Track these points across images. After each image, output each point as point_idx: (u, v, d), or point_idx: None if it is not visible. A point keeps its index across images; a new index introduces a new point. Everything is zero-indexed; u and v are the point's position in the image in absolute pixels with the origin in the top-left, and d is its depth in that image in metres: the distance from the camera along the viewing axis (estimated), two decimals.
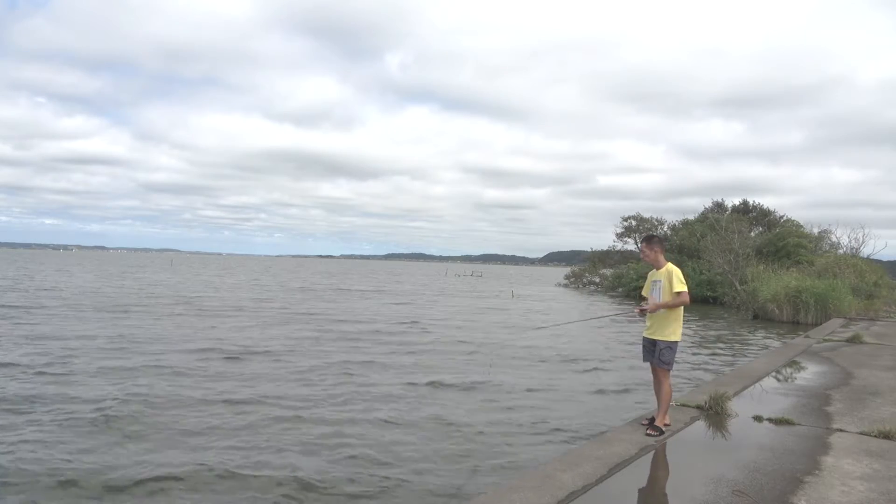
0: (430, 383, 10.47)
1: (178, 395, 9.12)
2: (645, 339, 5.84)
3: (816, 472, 4.61)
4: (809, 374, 9.12)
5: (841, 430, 5.84)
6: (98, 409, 8.04)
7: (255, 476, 6.00)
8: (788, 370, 9.38)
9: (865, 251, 35.80)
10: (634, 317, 6.13)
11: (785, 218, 43.12)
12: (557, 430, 7.84)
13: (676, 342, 5.66)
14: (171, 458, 6.40)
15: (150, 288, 35.54)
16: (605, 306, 31.86)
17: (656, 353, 5.67)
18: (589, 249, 56.39)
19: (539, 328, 16.41)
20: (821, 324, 19.61)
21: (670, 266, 5.69)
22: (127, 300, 25.92)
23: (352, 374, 11.11)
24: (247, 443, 6.97)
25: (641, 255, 6.01)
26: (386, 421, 8.06)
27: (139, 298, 27.27)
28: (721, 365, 13.18)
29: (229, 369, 11.28)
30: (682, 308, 5.67)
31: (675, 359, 5.75)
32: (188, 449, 6.75)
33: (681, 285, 5.54)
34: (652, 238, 5.97)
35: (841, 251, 36.67)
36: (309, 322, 19.74)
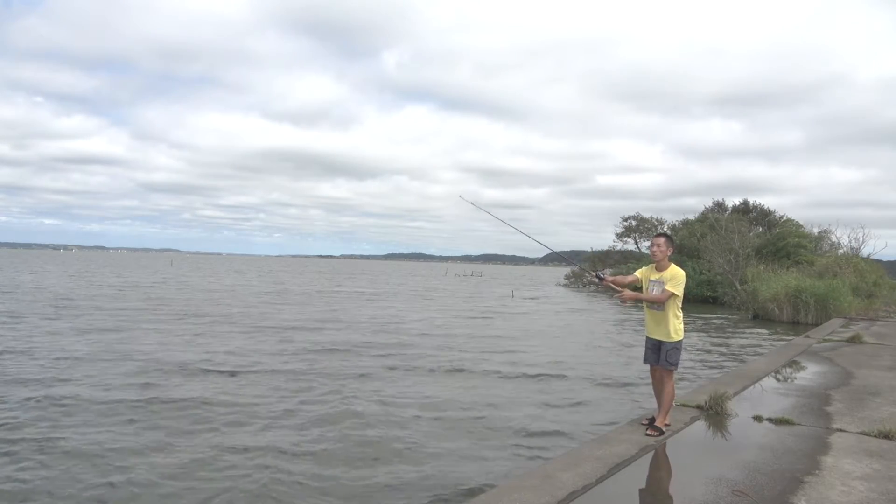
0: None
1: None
2: (649, 339, 5.80)
3: (816, 472, 4.61)
4: (809, 374, 9.12)
5: (841, 430, 5.83)
6: None
7: None
8: (788, 370, 9.38)
9: (865, 251, 35.83)
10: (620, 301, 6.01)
11: (785, 218, 43.13)
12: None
13: (681, 341, 5.65)
14: None
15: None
16: (604, 305, 31.85)
17: (663, 355, 5.64)
18: (589, 249, 56.43)
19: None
20: (821, 324, 19.62)
21: (675, 268, 5.62)
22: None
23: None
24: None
25: (654, 249, 5.75)
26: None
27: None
28: (721, 365, 13.17)
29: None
30: (680, 308, 5.65)
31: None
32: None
33: (675, 288, 5.51)
34: (672, 237, 5.94)
35: (841, 251, 36.66)
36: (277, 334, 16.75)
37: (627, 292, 5.77)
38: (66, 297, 26.43)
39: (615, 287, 5.92)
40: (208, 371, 11.05)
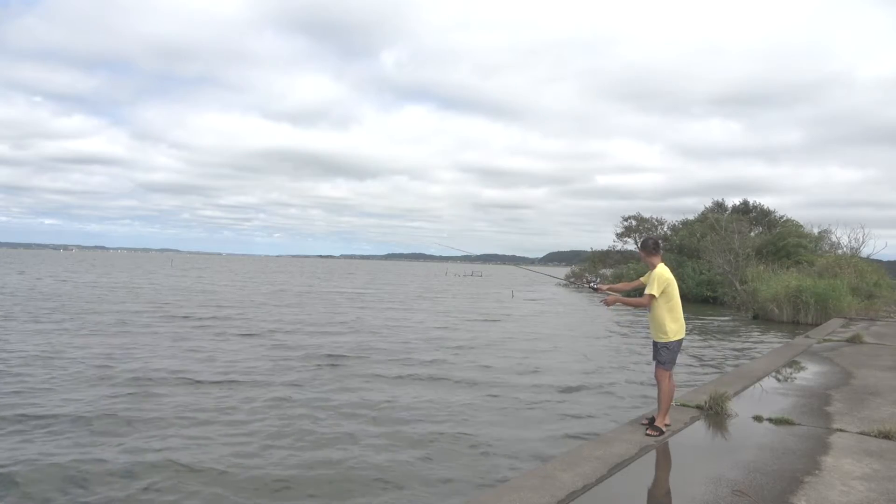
0: None
1: None
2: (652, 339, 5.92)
3: (816, 472, 4.61)
4: (809, 374, 9.12)
5: (841, 430, 5.84)
6: None
7: None
8: (788, 370, 9.38)
9: (865, 251, 35.78)
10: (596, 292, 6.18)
11: (785, 218, 43.14)
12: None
13: (673, 341, 5.64)
14: None
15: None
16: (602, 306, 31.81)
17: (655, 353, 5.73)
18: (589, 249, 56.46)
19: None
20: (821, 324, 19.61)
21: (658, 269, 5.70)
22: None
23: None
24: None
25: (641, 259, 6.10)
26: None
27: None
28: (721, 365, 13.17)
29: None
30: (672, 308, 5.65)
31: (677, 359, 5.76)
32: None
33: (655, 289, 5.60)
34: (643, 243, 6.03)
35: (841, 251, 36.63)
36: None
37: (612, 296, 5.90)
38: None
39: (615, 293, 6.05)
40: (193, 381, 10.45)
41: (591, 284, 6.27)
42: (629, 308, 6.19)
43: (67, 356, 12.03)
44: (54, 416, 7.96)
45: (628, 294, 6.04)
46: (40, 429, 7.46)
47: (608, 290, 6.06)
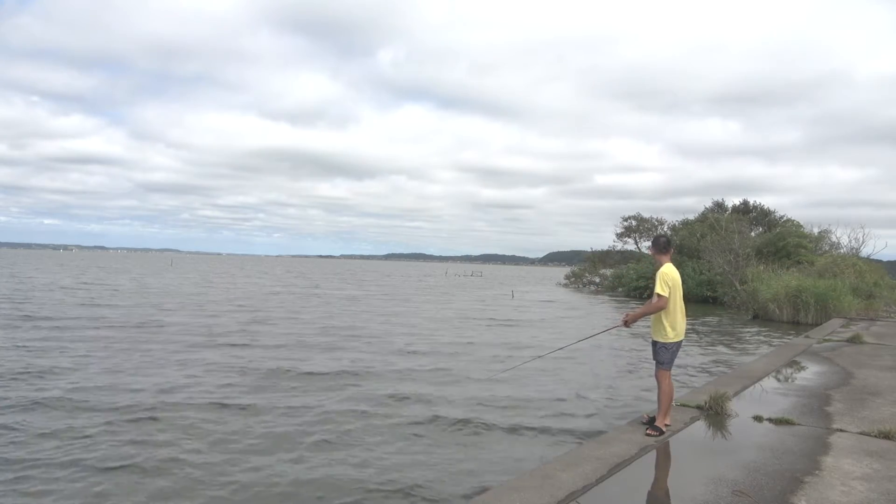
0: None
1: None
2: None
3: (816, 472, 4.61)
4: (809, 374, 9.12)
5: (841, 430, 5.84)
6: None
7: None
8: (788, 370, 9.38)
9: (865, 251, 35.78)
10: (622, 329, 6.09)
11: (785, 218, 43.15)
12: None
13: (672, 342, 5.62)
14: None
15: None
16: (605, 306, 31.84)
17: (654, 353, 5.72)
18: (589, 249, 56.44)
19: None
20: (821, 324, 19.61)
21: (664, 267, 5.67)
22: None
23: None
24: None
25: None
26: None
27: None
28: (721, 365, 13.16)
29: None
30: (674, 308, 5.61)
31: (676, 360, 5.76)
32: None
33: (659, 288, 5.53)
34: (654, 240, 6.01)
35: (841, 251, 36.63)
36: None
37: (629, 314, 5.85)
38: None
39: (644, 316, 5.87)
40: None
41: (622, 325, 6.05)
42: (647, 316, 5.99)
43: None
44: None
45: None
46: None
47: (629, 320, 5.89)
